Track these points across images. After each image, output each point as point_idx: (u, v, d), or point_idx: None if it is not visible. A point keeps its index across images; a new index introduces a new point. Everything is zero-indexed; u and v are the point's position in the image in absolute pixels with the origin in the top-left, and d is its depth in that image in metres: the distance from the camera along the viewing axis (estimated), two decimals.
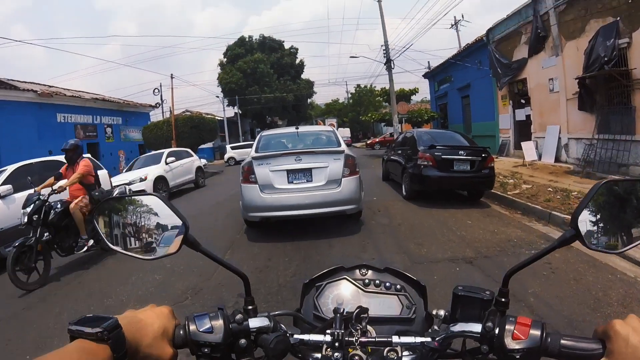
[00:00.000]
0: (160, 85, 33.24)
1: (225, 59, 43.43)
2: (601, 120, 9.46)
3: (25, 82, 17.68)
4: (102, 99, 20.65)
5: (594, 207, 0.76)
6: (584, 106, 10.11)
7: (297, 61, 45.86)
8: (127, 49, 77.80)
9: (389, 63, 21.15)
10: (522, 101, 13.56)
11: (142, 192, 1.34)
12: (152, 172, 11.22)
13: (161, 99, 32.64)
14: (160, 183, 11.29)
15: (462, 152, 7.23)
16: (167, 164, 11.95)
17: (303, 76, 46.38)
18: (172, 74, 21.33)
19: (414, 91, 25.73)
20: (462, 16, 27.90)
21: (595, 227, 0.76)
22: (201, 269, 4.43)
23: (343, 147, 5.55)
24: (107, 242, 0.83)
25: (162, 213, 0.82)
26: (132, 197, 0.86)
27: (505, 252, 4.53)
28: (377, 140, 33.89)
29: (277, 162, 5.11)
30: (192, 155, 14.30)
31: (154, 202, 0.82)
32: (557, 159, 11.38)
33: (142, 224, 0.84)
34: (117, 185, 10.28)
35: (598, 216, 0.76)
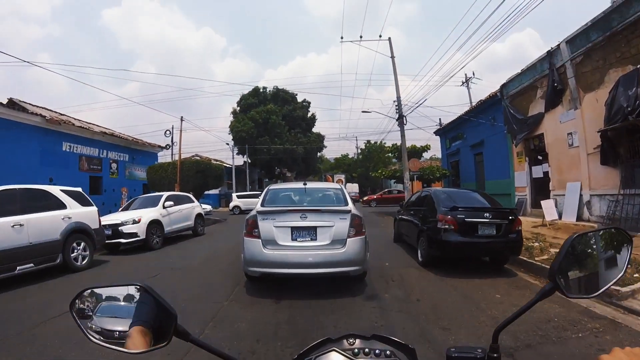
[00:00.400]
0: (172, 128, 34.06)
1: (239, 108, 44.61)
2: (626, 174, 8.94)
3: (37, 106, 17.95)
4: (111, 134, 20.81)
5: (568, 259, 0.90)
6: (606, 160, 9.67)
7: (309, 114, 46.86)
8: (145, 88, 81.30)
9: (401, 119, 21.15)
10: (539, 157, 13.16)
11: (126, 283, 0.94)
12: (147, 214, 10.75)
13: (172, 141, 33.16)
14: (154, 227, 10.80)
15: (487, 215, 6.49)
16: (164, 207, 11.55)
17: (314, 130, 47.23)
18: (182, 117, 21.56)
19: (426, 148, 25.65)
20: (473, 74, 28.52)
21: (571, 277, 0.90)
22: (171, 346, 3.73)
23: (350, 206, 5.51)
24: (88, 336, 0.87)
25: (149, 303, 0.85)
26: (116, 287, 0.92)
27: (549, 338, 3.70)
28: (375, 197, 33.42)
29: (282, 218, 5.12)
30: (192, 201, 13.89)
31: (139, 292, 0.87)
32: (579, 218, 10.71)
33: (127, 314, 0.87)
34: (110, 225, 9.98)
35: (573, 267, 0.91)
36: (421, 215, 7.55)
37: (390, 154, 26.81)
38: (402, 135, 21.40)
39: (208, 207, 30.10)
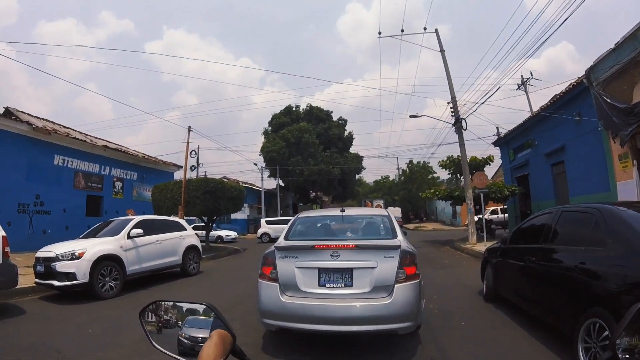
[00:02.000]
0: (198, 148, 33.34)
1: (270, 128, 43.65)
2: None
3: (32, 115, 17.08)
4: (115, 149, 19.64)
5: (632, 330, 0.85)
6: None
7: (346, 133, 45.12)
8: (185, 118, 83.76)
9: (459, 123, 18.54)
10: None
11: (194, 301, 1.15)
12: (97, 247, 8.26)
13: (197, 161, 32.54)
14: (108, 266, 8.25)
15: None
16: (129, 237, 9.09)
17: (351, 150, 45.31)
18: (189, 126, 19.96)
19: (489, 160, 22.68)
20: (531, 74, 25.38)
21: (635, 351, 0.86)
22: None
23: (399, 239, 4.62)
24: (152, 342, 1.15)
25: (212, 322, 1.12)
26: (184, 303, 1.20)
27: None
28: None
29: (306, 257, 4.38)
30: (182, 229, 11.36)
31: (205, 310, 1.15)
32: None
33: (190, 330, 1.14)
34: (43, 259, 7.78)
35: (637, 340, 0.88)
36: (580, 263, 4.01)
37: (444, 169, 23.96)
38: (462, 145, 18.75)
39: (233, 234, 28.66)
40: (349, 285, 4.22)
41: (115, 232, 9.15)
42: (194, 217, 20.34)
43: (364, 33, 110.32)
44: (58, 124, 18.63)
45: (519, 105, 59.34)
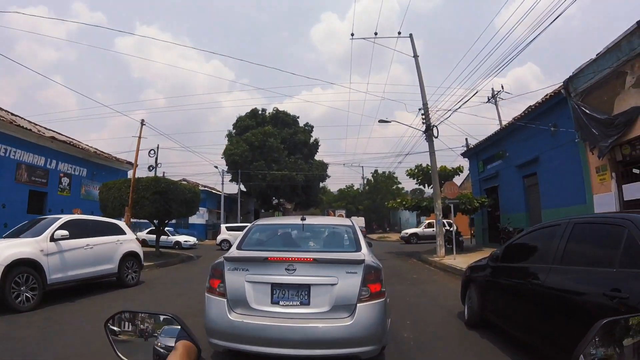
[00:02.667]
0: (158, 147, 31.77)
1: (234, 131, 42.55)
2: None
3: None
4: (64, 141, 18.07)
5: (594, 347, 0.92)
6: None
7: (312, 140, 44.62)
8: (153, 117, 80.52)
9: (430, 130, 18.35)
10: (636, 170, 10.19)
11: (158, 312, 1.25)
12: (9, 250, 7.00)
13: (156, 162, 31.03)
14: (23, 273, 7.02)
15: None
16: (53, 240, 7.89)
17: (316, 157, 44.87)
18: (142, 120, 18.64)
19: (459, 170, 22.77)
20: (502, 87, 25.90)
21: None
22: None
23: (364, 252, 4.29)
24: (116, 352, 1.20)
25: (177, 333, 1.18)
26: (148, 313, 1.27)
27: None
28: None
29: (258, 270, 3.98)
30: (120, 232, 10.12)
31: (169, 321, 1.21)
32: None
33: (155, 341, 1.20)
34: None
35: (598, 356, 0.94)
36: (613, 290, 3.17)
37: (412, 178, 23.82)
38: (432, 153, 18.43)
39: (192, 240, 27.15)
40: (306, 303, 3.85)
41: (38, 233, 7.90)
42: (145, 220, 19.04)
43: (337, 43, 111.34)
44: (5, 111, 16.94)
45: (487, 118, 61.00)
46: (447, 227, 29.63)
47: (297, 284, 3.88)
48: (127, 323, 1.25)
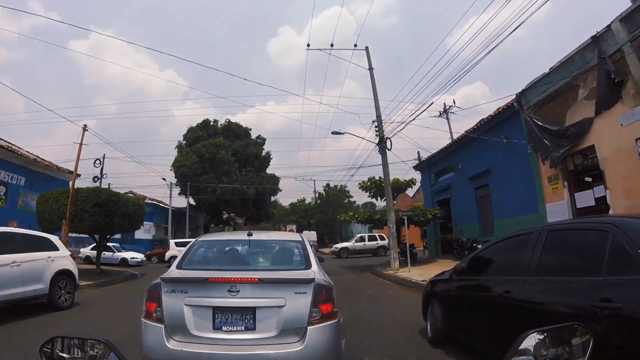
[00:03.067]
0: (104, 157, 29.77)
1: (185, 142, 40.90)
2: None
3: None
4: (0, 146, 16.28)
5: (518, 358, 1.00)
6: None
7: (264, 153, 43.91)
8: (103, 125, 75.07)
9: (383, 142, 18.30)
10: (588, 179, 10.47)
11: (93, 337, 1.27)
12: None
13: (101, 172, 29.11)
14: None
15: None
16: None
17: (268, 170, 44.15)
18: (85, 125, 17.13)
19: (412, 182, 22.86)
20: (454, 102, 26.76)
21: None
22: None
23: (314, 269, 3.97)
24: None
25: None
26: (81, 340, 1.30)
27: None
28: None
29: (198, 292, 3.58)
30: (53, 248, 9.06)
31: (103, 347, 1.22)
32: None
33: None
34: None
35: None
36: (602, 300, 2.85)
37: (364, 190, 23.62)
38: (385, 165, 18.31)
39: (140, 257, 25.17)
40: (251, 328, 3.52)
41: None
42: (86, 235, 17.47)
43: (293, 57, 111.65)
44: None
45: (441, 131, 62.93)
46: (378, 241, 30.14)
47: (241, 307, 3.54)
48: (61, 349, 1.25)
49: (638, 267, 2.73)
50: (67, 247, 11.22)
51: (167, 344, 3.48)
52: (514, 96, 13.10)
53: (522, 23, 10.10)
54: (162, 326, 3.54)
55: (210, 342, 3.46)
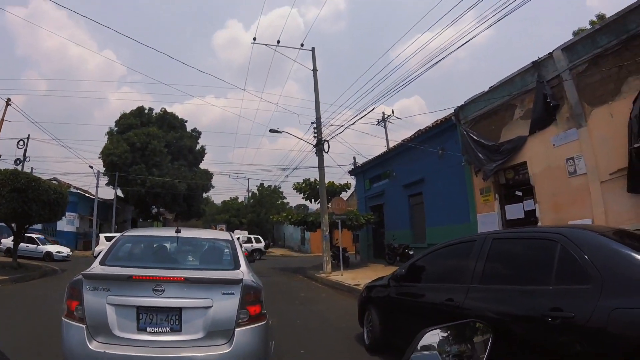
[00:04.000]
0: (28, 138, 26.70)
1: (116, 128, 37.69)
2: None
3: None
4: None
5: (418, 356, 1.02)
6: (636, 187, 7.70)
7: (198, 147, 42.00)
8: (31, 102, 66.25)
9: (320, 145, 18.01)
10: (518, 193, 10.84)
11: None
12: None
13: (24, 155, 26.09)
14: None
15: None
16: None
17: (201, 165, 42.23)
18: (8, 99, 15.05)
19: (347, 186, 22.84)
20: (393, 112, 27.28)
21: None
22: None
23: (243, 269, 3.86)
24: None
25: None
26: None
27: None
28: None
29: (122, 290, 3.36)
30: None
31: None
32: None
33: None
34: None
35: None
36: (553, 309, 2.78)
37: (299, 192, 23.25)
38: (321, 167, 18.03)
39: (65, 251, 22.74)
40: (177, 329, 3.38)
41: None
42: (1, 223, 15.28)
43: (238, 52, 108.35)
44: None
45: (378, 137, 64.16)
46: (253, 243, 29.18)
47: (166, 307, 3.38)
48: None
49: (588, 276, 2.69)
50: None
51: (89, 345, 3.28)
52: (453, 110, 13.39)
53: (464, 44, 10.35)
54: (84, 326, 3.33)
55: (134, 343, 3.29)
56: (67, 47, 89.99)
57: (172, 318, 3.40)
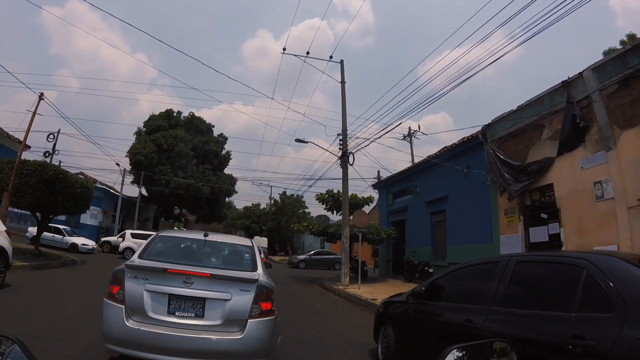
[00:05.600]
0: (58, 132, 27.80)
1: (145, 129, 38.80)
2: None
3: None
4: None
5: None
6: None
7: (224, 152, 42.75)
8: (63, 99, 69.40)
9: (345, 157, 18.16)
10: (544, 215, 10.68)
11: (3, 334, 1.10)
12: None
13: (54, 147, 27.28)
14: None
15: None
16: None
17: (226, 170, 42.93)
18: (41, 93, 15.76)
19: (370, 200, 22.76)
20: (419, 127, 27.17)
21: None
22: None
23: (259, 272, 4.49)
24: None
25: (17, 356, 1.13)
26: None
27: None
28: None
29: (157, 280, 4.05)
30: None
31: (10, 343, 1.13)
32: None
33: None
34: None
35: None
36: (574, 337, 2.71)
37: (321, 203, 23.29)
38: (345, 180, 18.14)
39: (91, 244, 23.07)
40: (200, 315, 4.04)
41: None
42: (27, 212, 15.95)
43: (267, 61, 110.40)
44: None
45: (404, 152, 64.01)
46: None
47: (193, 297, 4.04)
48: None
49: (612, 304, 2.62)
50: (6, 222, 10.12)
51: (126, 322, 3.89)
52: (480, 128, 13.33)
53: (493, 62, 10.31)
54: (123, 307, 3.95)
55: (164, 324, 3.90)
56: (100, 48, 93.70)
57: (197, 306, 4.03)
